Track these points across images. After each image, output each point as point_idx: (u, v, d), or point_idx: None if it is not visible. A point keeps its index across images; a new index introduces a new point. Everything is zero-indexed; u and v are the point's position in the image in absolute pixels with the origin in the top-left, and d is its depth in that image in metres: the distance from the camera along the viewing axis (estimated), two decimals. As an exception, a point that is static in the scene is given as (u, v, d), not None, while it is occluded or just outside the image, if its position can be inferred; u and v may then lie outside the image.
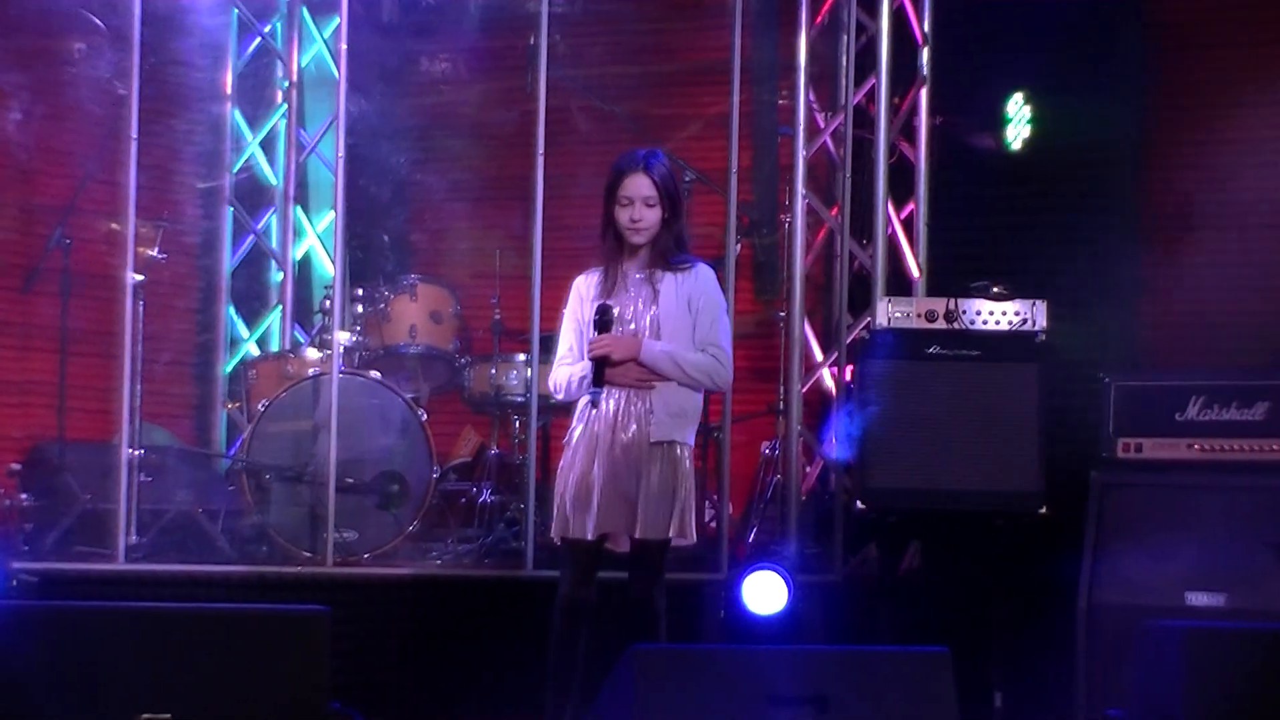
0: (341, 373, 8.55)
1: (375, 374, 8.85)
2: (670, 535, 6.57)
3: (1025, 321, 8.18)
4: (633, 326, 6.57)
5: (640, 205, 6.55)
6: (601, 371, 6.50)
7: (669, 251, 6.62)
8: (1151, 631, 6.31)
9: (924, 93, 9.22)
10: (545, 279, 8.50)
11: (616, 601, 6.72)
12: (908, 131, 9.27)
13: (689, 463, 6.62)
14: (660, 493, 6.52)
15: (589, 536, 6.54)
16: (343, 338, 8.84)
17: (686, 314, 6.60)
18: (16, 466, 9.12)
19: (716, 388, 6.76)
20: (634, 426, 6.54)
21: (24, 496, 8.93)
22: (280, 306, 10.15)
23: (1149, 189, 9.27)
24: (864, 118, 9.16)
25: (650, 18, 10.48)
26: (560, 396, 6.74)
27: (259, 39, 10.40)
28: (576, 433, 6.62)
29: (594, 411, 6.53)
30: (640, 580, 6.59)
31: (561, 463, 6.65)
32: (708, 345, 6.60)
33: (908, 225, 9.24)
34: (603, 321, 6.54)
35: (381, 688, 7.89)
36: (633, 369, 6.53)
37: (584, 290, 6.66)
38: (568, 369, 6.63)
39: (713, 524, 8.97)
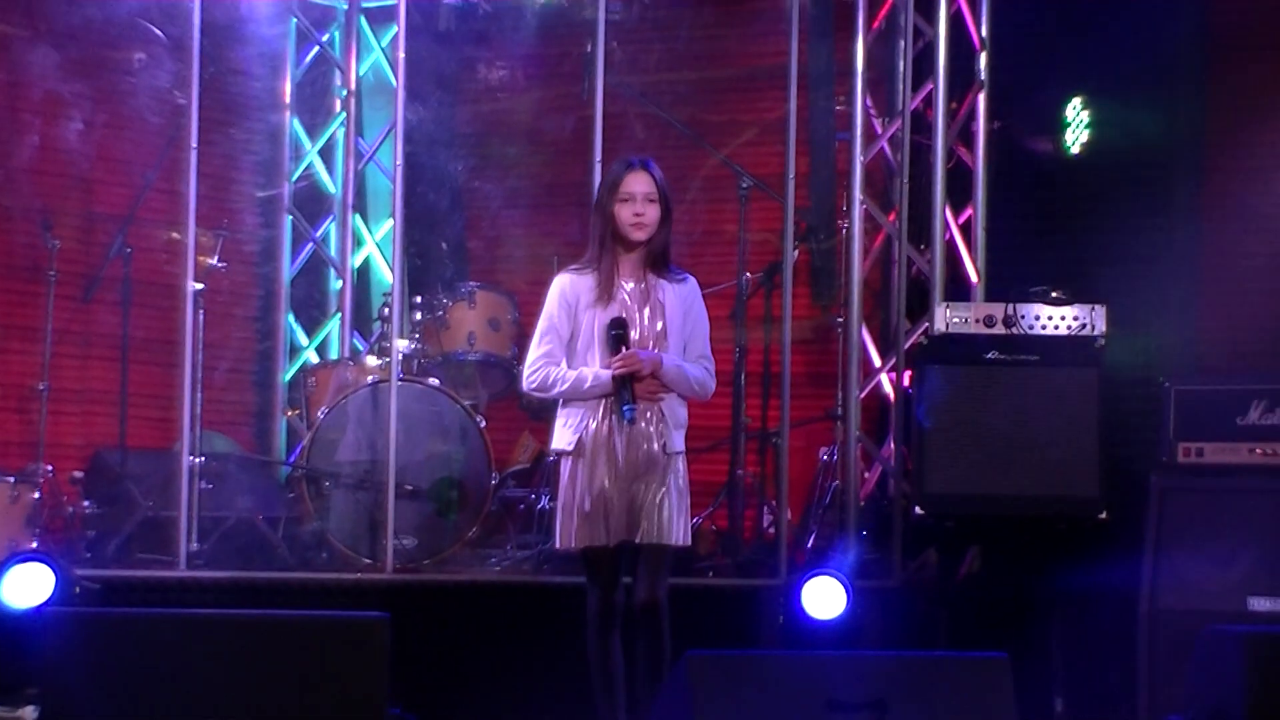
0: (400, 380, 8.58)
1: (434, 381, 8.88)
2: (683, 541, 6.67)
3: (1084, 326, 8.16)
4: (635, 336, 6.61)
5: (642, 201, 6.62)
6: (630, 387, 6.53)
7: (663, 256, 6.69)
8: (1212, 636, 6.28)
9: (982, 97, 9.19)
10: (602, 285, 8.49)
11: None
12: (965, 136, 9.24)
13: (686, 470, 6.73)
14: (675, 500, 6.61)
15: (610, 544, 6.59)
16: (401, 345, 8.87)
17: (685, 325, 6.70)
18: (79, 474, 9.17)
19: (703, 398, 6.80)
20: (648, 438, 6.59)
21: (86, 504, 8.99)
22: (339, 314, 10.18)
23: (1207, 192, 9.22)
24: (921, 123, 9.14)
25: (706, 23, 10.47)
26: (536, 394, 6.80)
27: (317, 48, 10.45)
28: (574, 442, 6.62)
29: (624, 424, 6.54)
30: (651, 584, 6.63)
31: (566, 473, 6.66)
32: (701, 359, 6.73)
33: (965, 230, 9.21)
34: (621, 337, 6.57)
35: (441, 693, 7.90)
36: (651, 383, 6.58)
37: (570, 293, 6.67)
38: (552, 370, 6.63)
39: (771, 530, 8.97)
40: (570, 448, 6.62)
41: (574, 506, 6.62)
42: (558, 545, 6.74)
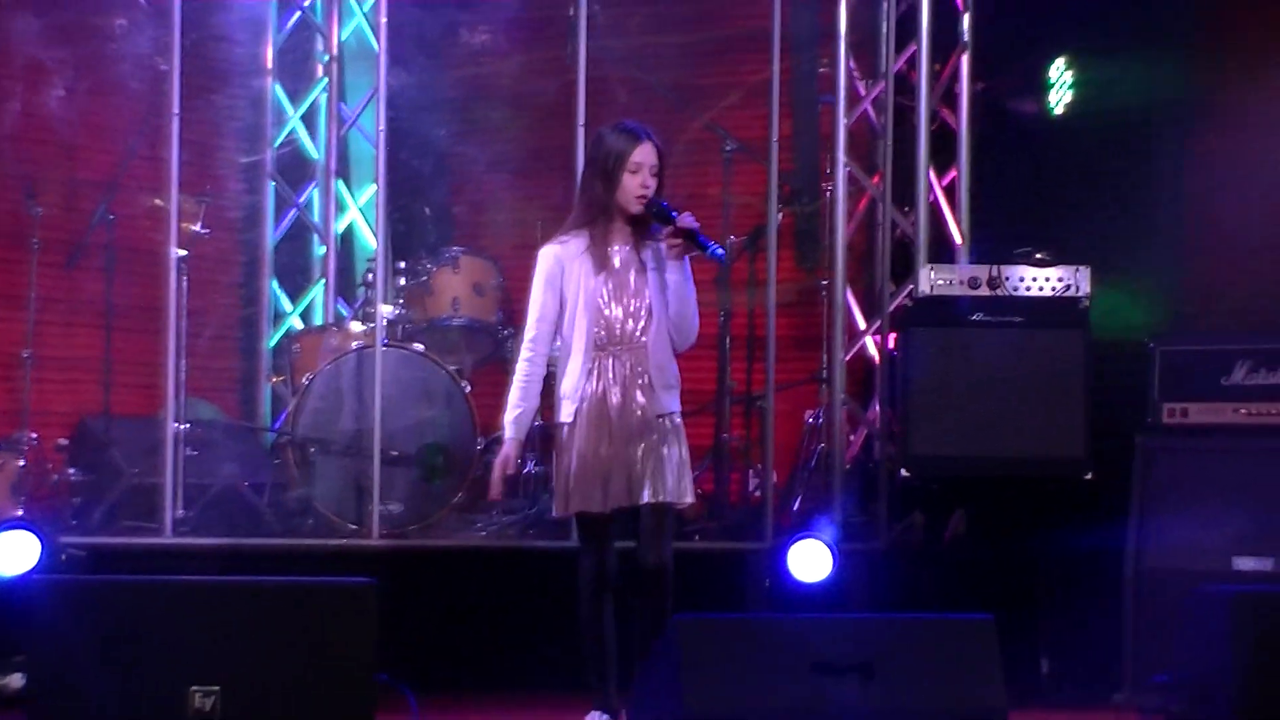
0: (385, 345, 8.57)
1: (418, 346, 8.87)
2: (686, 500, 6.69)
3: (1069, 288, 8.18)
4: (637, 302, 6.63)
5: (649, 173, 6.62)
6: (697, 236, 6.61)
7: (648, 221, 6.68)
8: (1198, 596, 6.31)
9: (965, 59, 9.17)
10: (587, 250, 8.49)
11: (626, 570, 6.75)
12: (949, 98, 9.23)
13: (683, 428, 6.74)
14: (670, 459, 6.62)
15: (604, 509, 6.60)
16: (386, 310, 8.86)
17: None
18: (63, 442, 9.16)
19: (690, 335, 6.76)
20: (635, 401, 6.62)
21: (71, 471, 8.98)
22: (323, 280, 10.16)
23: (1192, 152, 9.21)
24: (905, 85, 9.13)
25: (689, -14, 10.45)
26: (528, 361, 6.75)
27: (299, 13, 10.40)
28: (570, 409, 6.65)
29: (595, 385, 6.60)
30: (656, 547, 6.64)
31: (560, 440, 6.69)
32: None
33: (950, 192, 9.20)
34: (664, 211, 6.60)
35: (428, 659, 7.91)
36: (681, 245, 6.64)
37: (556, 266, 6.67)
38: (525, 365, 6.72)
39: (757, 493, 8.98)
40: (569, 419, 6.64)
41: (570, 473, 6.63)
42: (555, 513, 6.78)
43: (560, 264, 6.66)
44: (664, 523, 6.64)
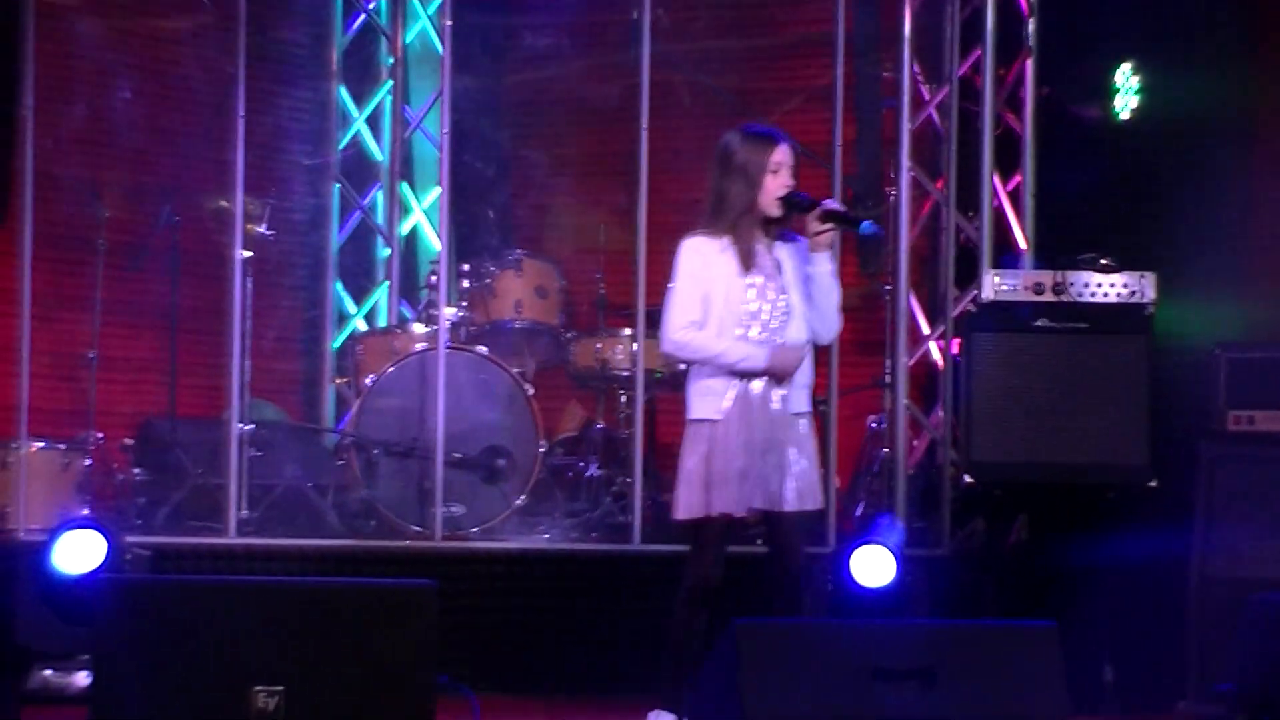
0: (448, 348, 8.59)
1: (481, 349, 8.89)
2: (820, 504, 6.68)
3: (1134, 293, 8.13)
4: (778, 300, 6.56)
5: (787, 173, 6.57)
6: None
7: (782, 222, 6.64)
8: (1261, 604, 6.26)
9: (1030, 63, 9.14)
10: (649, 253, 8.52)
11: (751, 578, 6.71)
12: (1014, 103, 9.20)
13: (813, 429, 6.70)
14: (809, 462, 6.57)
15: (741, 512, 6.52)
16: (449, 313, 8.89)
17: (802, 284, 6.66)
18: (129, 442, 9.22)
19: (836, 329, 6.73)
20: (777, 399, 6.53)
21: (136, 472, 9.04)
22: (387, 282, 10.21)
23: (1257, 157, 9.15)
24: (969, 89, 9.10)
25: (752, -10, 10.46)
26: (676, 357, 6.73)
27: (364, 16, 10.45)
28: (714, 407, 6.51)
29: (740, 383, 6.49)
30: (794, 552, 6.58)
31: (696, 438, 6.54)
32: None
33: (1014, 197, 9.18)
34: (804, 200, 6.57)
35: (489, 661, 7.93)
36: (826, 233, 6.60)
37: (704, 257, 6.54)
38: (701, 335, 6.51)
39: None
40: (719, 416, 6.49)
41: (705, 475, 6.50)
42: (679, 515, 6.57)
43: (705, 258, 6.55)
44: (799, 528, 6.60)
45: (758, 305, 6.54)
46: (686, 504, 6.54)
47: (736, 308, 6.52)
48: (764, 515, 6.57)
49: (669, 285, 6.57)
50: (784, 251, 6.63)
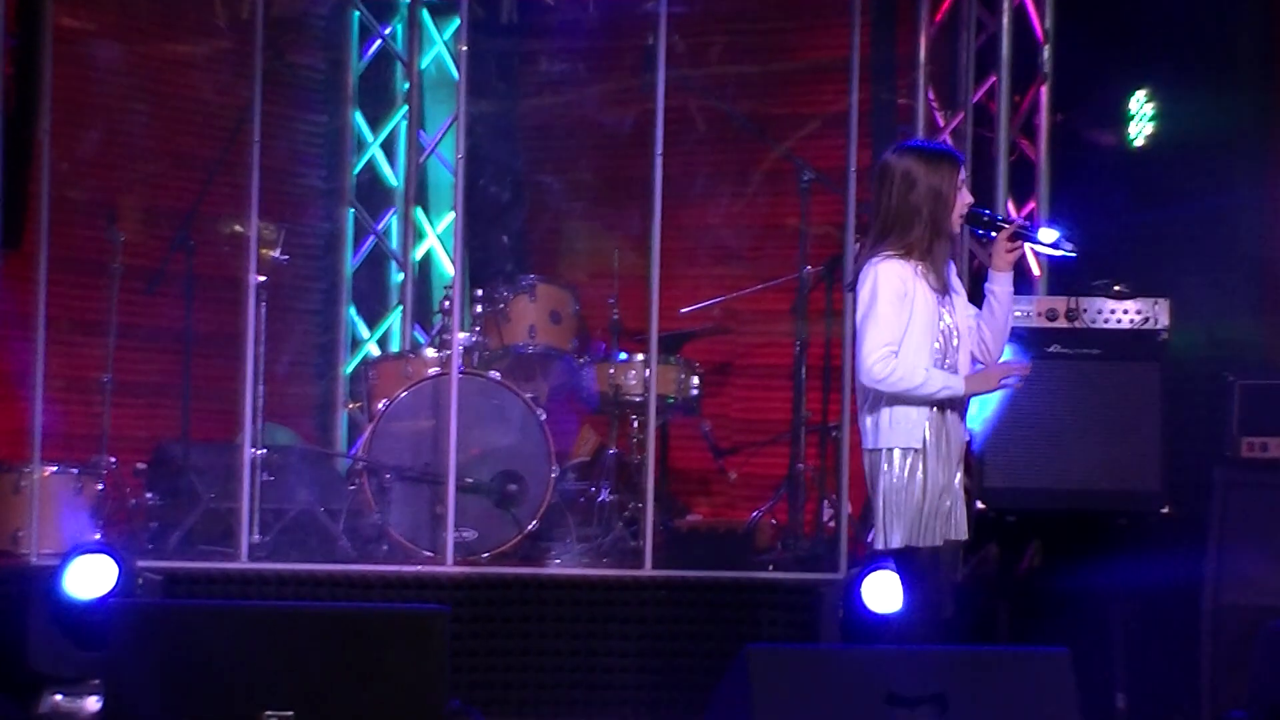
0: (461, 373, 8.59)
1: (495, 374, 8.89)
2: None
3: (1147, 320, 8.13)
4: (960, 323, 6.45)
5: (966, 189, 6.48)
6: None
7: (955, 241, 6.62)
8: (1274, 632, 6.25)
9: (1045, 90, 9.15)
10: (663, 279, 8.51)
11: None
12: (1028, 129, 9.21)
13: None
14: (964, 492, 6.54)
15: (939, 542, 6.42)
16: (462, 337, 8.89)
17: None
18: (142, 466, 9.22)
19: (998, 358, 6.59)
20: (960, 425, 6.48)
21: (149, 496, 9.04)
22: (401, 307, 10.23)
23: (1272, 185, 9.15)
24: (984, 115, 9.11)
25: (768, 16, 10.46)
26: (879, 386, 6.33)
27: (379, 41, 10.49)
28: (914, 435, 6.36)
29: (936, 411, 6.36)
30: (955, 581, 6.56)
31: (899, 469, 6.39)
32: None
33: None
34: (991, 218, 6.51)
35: (501, 686, 7.91)
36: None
37: (901, 281, 6.35)
38: (903, 365, 6.29)
39: (831, 523, 8.95)
40: (918, 444, 6.35)
41: (920, 503, 6.38)
42: (886, 544, 6.43)
43: (904, 281, 6.36)
44: (959, 557, 6.59)
45: (947, 329, 6.41)
46: (893, 532, 6.40)
47: (933, 331, 6.38)
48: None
49: (861, 314, 6.37)
50: (952, 271, 6.55)
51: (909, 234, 6.37)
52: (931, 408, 6.35)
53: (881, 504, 6.39)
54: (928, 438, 6.35)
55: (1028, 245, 6.65)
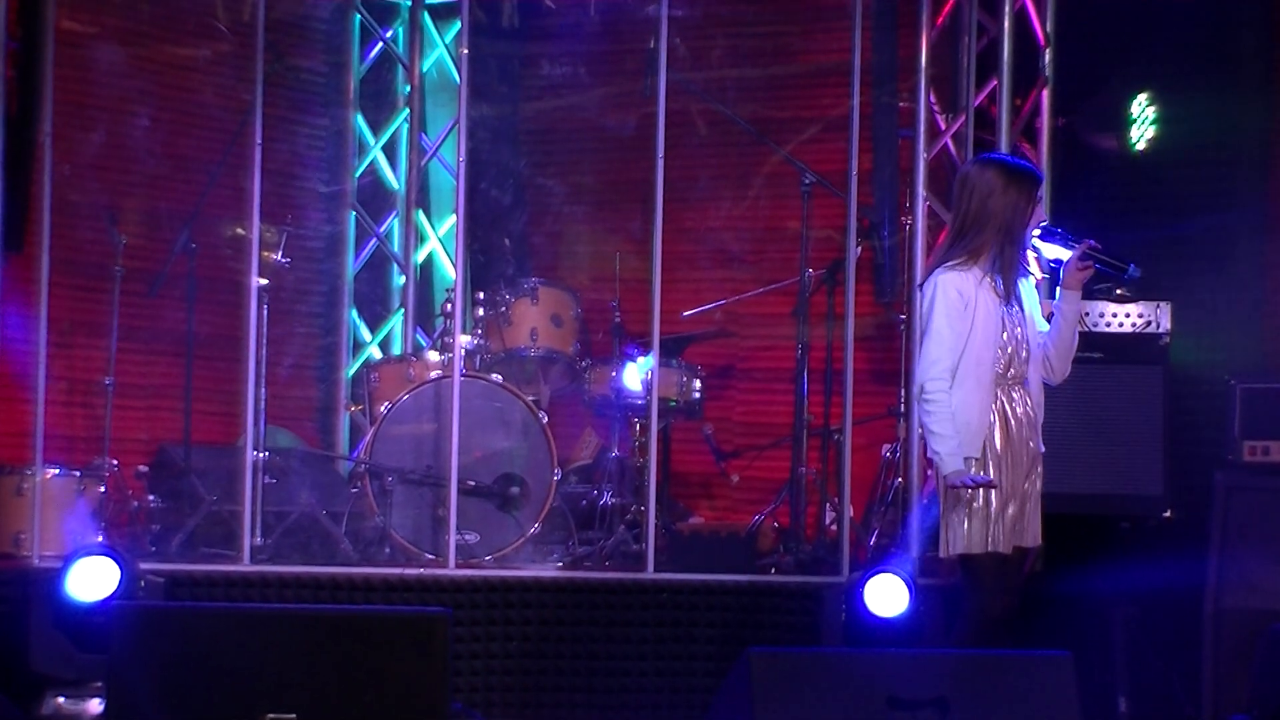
0: (463, 375, 8.59)
1: (496, 377, 8.90)
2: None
3: (1149, 324, 8.13)
4: (1027, 335, 6.54)
5: (1040, 207, 6.58)
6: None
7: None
8: (1276, 635, 6.25)
9: (1046, 94, 9.15)
10: (664, 282, 8.52)
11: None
12: (1030, 133, 9.20)
13: None
14: (1038, 500, 6.61)
15: (1009, 550, 6.49)
16: (464, 341, 8.89)
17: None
18: (143, 469, 9.22)
19: (1065, 374, 6.71)
20: (1030, 436, 6.55)
21: (150, 498, 9.04)
22: (402, 310, 10.23)
23: (1274, 188, 9.15)
24: (985, 119, 9.10)
25: (769, 20, 10.46)
26: (921, 407, 6.48)
27: (381, 44, 10.49)
28: (978, 444, 6.44)
29: (1001, 420, 6.46)
30: (1021, 590, 6.60)
31: (982, 475, 6.45)
32: None
33: (1029, 227, 9.17)
34: (1065, 233, 6.57)
35: (502, 689, 7.92)
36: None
37: (962, 294, 6.45)
38: (944, 407, 6.41)
39: (833, 527, 8.95)
40: (977, 454, 6.43)
41: (992, 509, 6.45)
42: (954, 550, 6.49)
43: (964, 294, 6.45)
44: (1026, 565, 6.61)
45: (1013, 340, 6.50)
46: (965, 539, 6.46)
47: (997, 341, 6.46)
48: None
49: (922, 326, 6.49)
50: (1023, 285, 6.61)
51: (979, 239, 6.48)
52: (997, 418, 6.45)
53: (943, 510, 6.50)
54: (997, 447, 6.46)
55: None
